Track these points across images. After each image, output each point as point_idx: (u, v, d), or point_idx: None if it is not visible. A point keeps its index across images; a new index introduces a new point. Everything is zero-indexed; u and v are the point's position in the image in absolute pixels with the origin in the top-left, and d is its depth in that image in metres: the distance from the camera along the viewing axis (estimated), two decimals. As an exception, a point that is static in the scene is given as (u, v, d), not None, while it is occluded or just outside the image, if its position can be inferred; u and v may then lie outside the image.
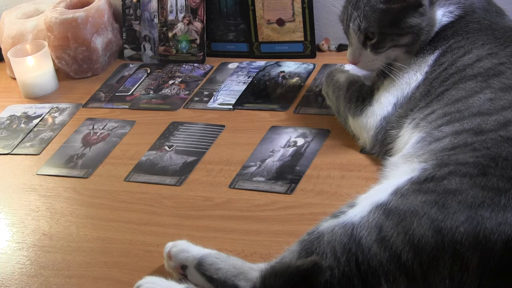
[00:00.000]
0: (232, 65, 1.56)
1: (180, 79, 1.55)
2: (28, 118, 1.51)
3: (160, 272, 1.01)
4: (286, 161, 1.21)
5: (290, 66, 1.50)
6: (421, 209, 0.85)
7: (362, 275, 0.84)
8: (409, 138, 1.06)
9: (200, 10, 1.58)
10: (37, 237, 1.15)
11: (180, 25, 1.60)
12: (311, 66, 1.48)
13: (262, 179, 1.18)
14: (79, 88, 1.60)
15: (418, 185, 0.89)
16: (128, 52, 1.68)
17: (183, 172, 1.23)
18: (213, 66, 1.57)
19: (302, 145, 1.24)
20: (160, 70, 1.60)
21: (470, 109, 0.99)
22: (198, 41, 1.59)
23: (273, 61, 1.53)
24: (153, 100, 1.49)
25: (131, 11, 1.66)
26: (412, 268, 0.83)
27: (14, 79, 1.64)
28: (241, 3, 1.55)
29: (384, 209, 0.87)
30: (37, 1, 1.76)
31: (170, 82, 1.54)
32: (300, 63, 1.50)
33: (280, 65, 1.51)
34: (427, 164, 0.93)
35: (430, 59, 1.13)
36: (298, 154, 1.22)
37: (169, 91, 1.51)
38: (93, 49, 1.61)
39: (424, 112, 1.07)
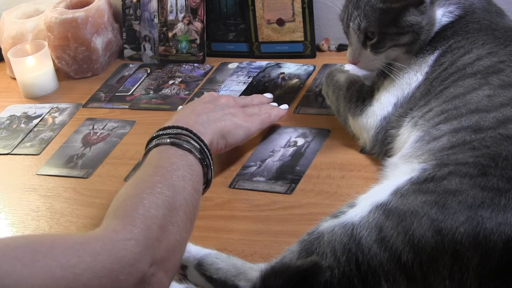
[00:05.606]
0: (232, 65, 1.56)
1: (180, 79, 1.55)
2: (28, 118, 1.51)
3: (160, 272, 1.01)
4: (286, 161, 1.21)
5: (290, 67, 1.50)
6: (421, 209, 0.85)
7: (362, 275, 0.84)
8: (408, 137, 1.06)
9: (200, 10, 1.58)
10: (37, 237, 1.15)
11: (180, 25, 1.60)
12: (311, 68, 1.48)
13: (262, 179, 1.18)
14: (79, 88, 1.60)
15: (418, 185, 0.89)
16: (128, 52, 1.68)
17: (183, 172, 1.23)
18: (213, 66, 1.57)
19: (302, 145, 1.24)
20: (160, 70, 1.60)
21: (468, 106, 0.99)
22: (198, 41, 1.59)
23: (273, 61, 1.53)
24: (153, 100, 1.49)
25: (131, 11, 1.66)
26: (412, 269, 0.83)
27: (14, 79, 1.64)
28: (241, 3, 1.55)
29: (384, 209, 0.87)
30: (37, 1, 1.76)
31: (170, 82, 1.54)
32: (301, 64, 1.50)
33: (280, 66, 1.51)
34: (427, 164, 0.93)
35: (430, 59, 1.13)
36: (298, 154, 1.22)
37: (169, 91, 1.51)
38: (93, 49, 1.61)
39: (422, 110, 1.07)
